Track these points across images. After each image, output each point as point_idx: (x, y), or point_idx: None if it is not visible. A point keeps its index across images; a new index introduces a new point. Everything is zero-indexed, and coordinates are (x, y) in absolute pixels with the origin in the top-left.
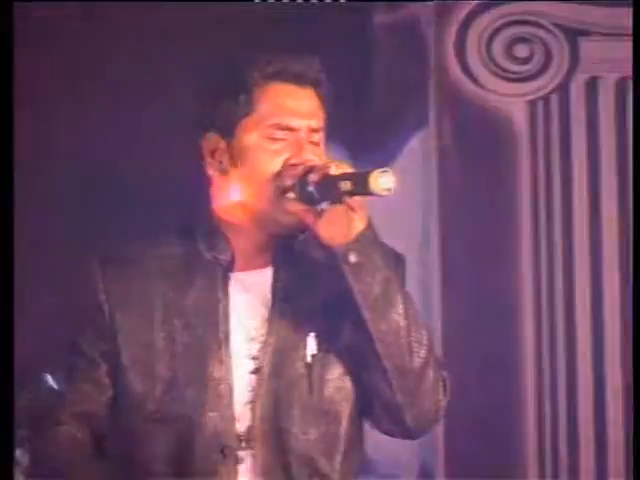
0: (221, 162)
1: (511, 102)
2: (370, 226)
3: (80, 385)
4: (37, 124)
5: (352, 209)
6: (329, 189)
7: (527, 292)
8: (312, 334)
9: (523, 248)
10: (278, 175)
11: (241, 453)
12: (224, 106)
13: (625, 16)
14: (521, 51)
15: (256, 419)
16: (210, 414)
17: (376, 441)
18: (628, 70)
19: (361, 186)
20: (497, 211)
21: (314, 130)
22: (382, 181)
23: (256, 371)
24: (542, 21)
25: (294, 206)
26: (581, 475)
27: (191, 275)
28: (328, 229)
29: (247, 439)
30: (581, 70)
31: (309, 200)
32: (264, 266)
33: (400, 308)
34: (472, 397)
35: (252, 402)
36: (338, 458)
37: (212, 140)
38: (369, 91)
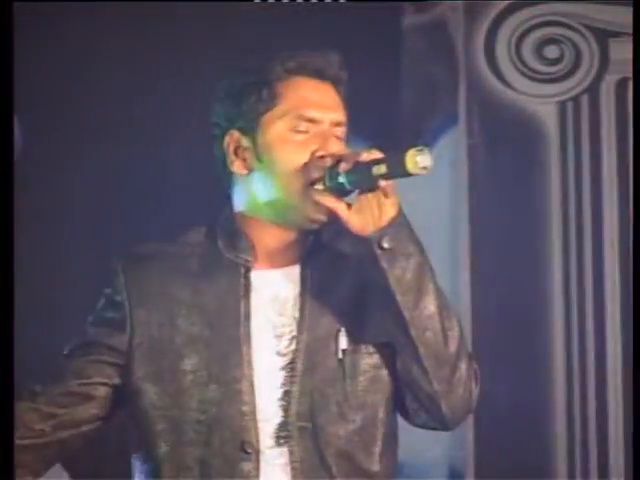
0: (245, 159)
1: (541, 103)
2: (402, 212)
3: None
4: (47, 124)
5: (385, 194)
6: (362, 176)
7: (557, 290)
8: (343, 329)
9: (553, 248)
10: (305, 167)
11: (274, 451)
12: (247, 102)
13: None
14: (551, 52)
15: (291, 416)
16: (230, 411)
17: (405, 442)
18: None
19: (397, 167)
20: (527, 211)
21: (337, 124)
22: (420, 159)
23: (287, 368)
24: (572, 22)
25: (324, 198)
26: (611, 476)
27: (213, 274)
28: (359, 219)
29: (280, 436)
30: (611, 71)
31: (339, 191)
32: (291, 263)
33: (432, 295)
34: (502, 397)
35: (284, 399)
36: (377, 452)
37: (235, 137)
38: (399, 91)
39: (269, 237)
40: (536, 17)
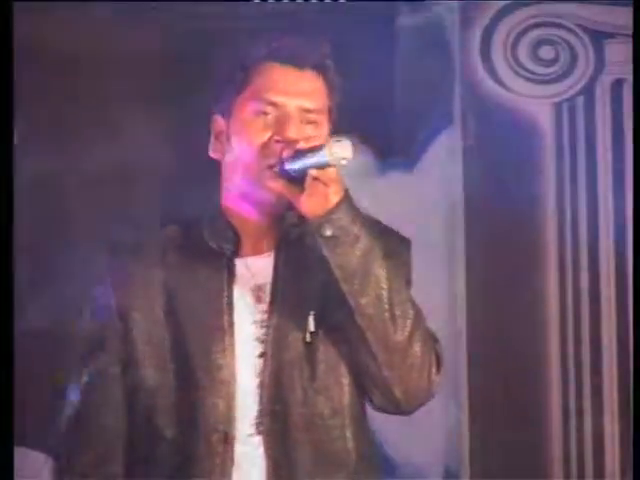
0: (221, 143)
1: (536, 104)
2: (346, 198)
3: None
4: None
5: (324, 183)
6: (301, 164)
7: (552, 290)
8: (312, 313)
9: (548, 248)
10: (262, 151)
11: (255, 439)
12: (224, 85)
13: None
14: (546, 53)
15: (264, 402)
16: (213, 401)
17: (400, 444)
18: None
19: (321, 157)
20: (522, 212)
21: (308, 110)
22: (337, 150)
23: (262, 355)
24: (567, 23)
25: (275, 182)
26: (607, 476)
27: (195, 264)
28: (308, 203)
29: (259, 423)
30: (606, 72)
31: (288, 176)
32: (269, 250)
33: (383, 281)
34: (496, 398)
35: (260, 386)
36: (346, 436)
37: (217, 122)
38: (395, 92)
39: (247, 224)
40: (531, 18)
